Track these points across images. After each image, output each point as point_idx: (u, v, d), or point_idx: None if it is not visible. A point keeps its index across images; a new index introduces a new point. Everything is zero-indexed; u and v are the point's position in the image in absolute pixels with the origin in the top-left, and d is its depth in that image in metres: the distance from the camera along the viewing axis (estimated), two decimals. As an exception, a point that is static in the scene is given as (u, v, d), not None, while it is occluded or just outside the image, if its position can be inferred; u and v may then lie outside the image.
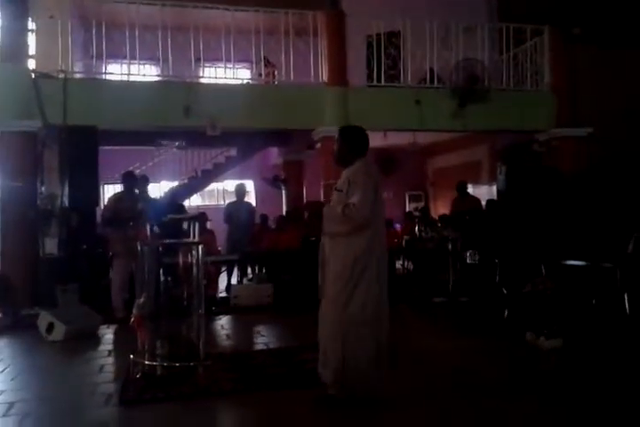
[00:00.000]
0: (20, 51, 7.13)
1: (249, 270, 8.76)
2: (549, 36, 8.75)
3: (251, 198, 12.89)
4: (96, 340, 5.54)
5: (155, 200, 7.52)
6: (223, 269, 8.17)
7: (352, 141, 3.72)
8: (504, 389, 3.76)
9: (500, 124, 8.44)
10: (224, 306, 6.97)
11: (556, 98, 8.62)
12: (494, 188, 9.50)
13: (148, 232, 4.34)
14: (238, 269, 8.41)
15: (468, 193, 8.85)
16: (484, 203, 8.52)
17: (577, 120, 8.50)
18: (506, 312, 5.56)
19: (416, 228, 8.48)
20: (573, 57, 8.68)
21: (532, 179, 7.50)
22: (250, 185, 13.31)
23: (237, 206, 8.46)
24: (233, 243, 8.21)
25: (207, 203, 12.87)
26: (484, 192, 10.25)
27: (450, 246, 6.79)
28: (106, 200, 7.44)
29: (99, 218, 7.23)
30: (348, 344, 3.36)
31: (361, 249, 3.43)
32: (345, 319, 3.38)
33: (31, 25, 7.54)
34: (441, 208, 12.39)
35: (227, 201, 10.78)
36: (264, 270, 8.10)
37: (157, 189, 10.58)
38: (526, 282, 5.31)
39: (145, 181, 6.92)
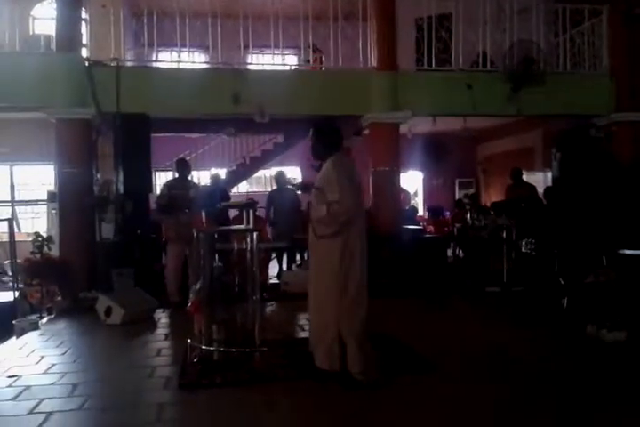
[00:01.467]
0: (74, 40, 7.25)
1: (297, 257, 8.78)
2: (608, 16, 8.38)
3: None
4: (152, 324, 5.69)
5: (202, 187, 7.61)
6: (273, 255, 8.21)
7: (324, 138, 3.93)
8: (560, 381, 3.67)
9: (555, 109, 8.14)
10: (274, 292, 7.02)
11: (615, 81, 8.28)
12: (548, 175, 9.23)
13: (204, 219, 4.37)
14: (287, 256, 8.45)
15: (523, 180, 8.60)
16: (539, 190, 8.27)
17: (637, 104, 8.15)
18: (565, 303, 5.40)
19: (468, 215, 8.31)
20: (634, 38, 8.27)
21: (590, 166, 7.23)
22: (297, 172, 13.33)
23: (279, 194, 8.40)
24: (277, 230, 8.20)
25: (255, 189, 12.96)
26: (537, 179, 9.96)
27: (504, 235, 6.63)
28: (158, 187, 7.56)
29: (152, 204, 7.36)
30: (344, 333, 3.62)
31: (346, 245, 3.66)
32: (340, 312, 3.63)
33: (84, 14, 7.66)
34: (493, 195, 12.12)
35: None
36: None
37: (206, 176, 10.69)
38: (587, 273, 5.14)
39: (188, 166, 6.97)
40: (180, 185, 6.52)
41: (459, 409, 3.23)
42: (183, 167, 6.71)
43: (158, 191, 7.17)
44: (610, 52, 8.39)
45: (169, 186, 6.61)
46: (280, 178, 8.51)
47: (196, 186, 6.80)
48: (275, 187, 8.76)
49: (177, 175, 6.76)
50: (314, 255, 3.89)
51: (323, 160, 3.91)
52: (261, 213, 8.21)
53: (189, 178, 6.95)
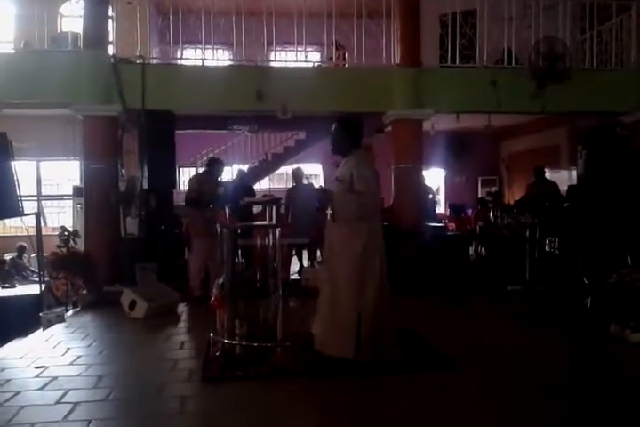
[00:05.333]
0: (100, 37, 7.35)
1: (318, 253, 8.79)
2: (637, 11, 8.23)
3: (319, 182, 12.93)
4: (175, 317, 5.77)
5: (227, 183, 7.65)
6: (293, 252, 8.24)
7: (348, 133, 3.97)
8: (583, 382, 3.63)
9: (581, 106, 8.03)
10: (295, 288, 7.04)
11: (643, 78, 8.13)
12: (573, 173, 9.11)
13: (227, 215, 4.42)
14: (308, 253, 8.47)
15: (546, 178, 8.52)
16: (563, 188, 8.17)
17: (666, 101, 8.00)
18: (588, 303, 5.33)
19: (490, 213, 8.25)
20: (663, 33, 8.13)
21: (616, 164, 7.11)
22: (318, 169, 13.35)
23: (297, 190, 8.40)
24: (296, 227, 8.21)
25: (276, 186, 13.01)
26: (562, 177, 9.85)
27: (527, 233, 6.55)
28: (182, 183, 7.62)
29: (175, 200, 7.45)
30: (363, 321, 3.76)
31: (368, 236, 3.81)
32: (360, 303, 3.77)
33: (111, 12, 7.75)
34: (516, 193, 12.00)
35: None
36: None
37: (229, 172, 10.75)
38: (611, 272, 5.07)
39: (221, 164, 7.01)
40: (209, 181, 6.56)
41: (480, 408, 3.23)
42: (216, 165, 6.75)
43: (182, 187, 7.22)
44: (638, 48, 8.24)
45: (198, 181, 6.63)
46: (298, 175, 8.54)
47: (223, 184, 6.85)
48: (293, 184, 8.79)
49: (206, 171, 6.78)
50: (334, 242, 3.93)
51: (343, 155, 4.00)
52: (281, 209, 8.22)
53: (220, 174, 6.98)
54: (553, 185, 8.33)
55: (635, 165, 6.88)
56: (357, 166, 3.85)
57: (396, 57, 7.93)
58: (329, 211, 3.95)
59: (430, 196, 10.64)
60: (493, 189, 12.72)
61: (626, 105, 8.14)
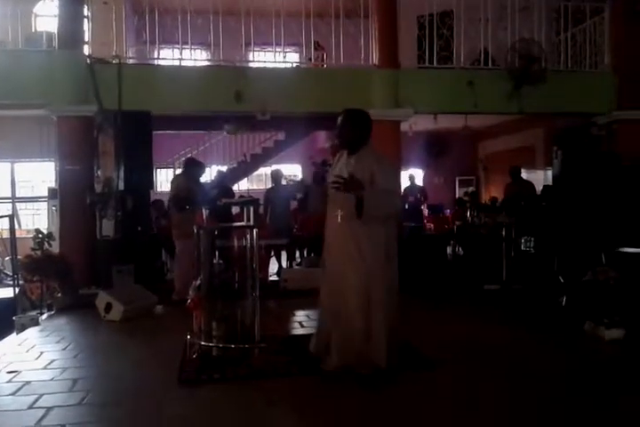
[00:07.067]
0: (76, 37, 7.26)
1: (297, 254, 8.80)
2: (610, 14, 8.37)
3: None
4: (152, 320, 5.71)
5: (205, 184, 7.61)
6: (271, 253, 8.22)
7: (363, 126, 3.67)
8: (556, 379, 3.68)
9: (557, 107, 8.14)
10: (273, 290, 7.02)
11: (617, 79, 8.27)
12: (549, 173, 9.25)
13: (204, 215, 4.39)
14: (287, 254, 8.46)
15: (522, 178, 8.64)
16: (539, 188, 8.28)
17: (639, 102, 8.14)
18: (563, 301, 5.41)
19: (468, 213, 8.32)
20: (635, 35, 8.25)
21: (590, 164, 7.23)
22: (298, 169, 13.35)
23: (276, 192, 8.41)
24: (274, 228, 8.21)
25: (255, 187, 12.98)
26: (538, 177, 9.99)
27: (503, 233, 6.62)
28: (159, 184, 7.55)
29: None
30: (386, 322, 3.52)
31: (392, 234, 3.60)
32: (381, 300, 3.50)
33: (86, 11, 7.66)
34: (493, 193, 12.14)
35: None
36: (312, 254, 8.12)
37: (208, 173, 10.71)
38: (585, 270, 5.15)
39: (202, 167, 6.96)
40: (190, 181, 6.53)
41: (459, 406, 3.24)
42: (193, 166, 6.72)
43: (159, 188, 7.13)
44: (612, 49, 8.38)
45: (185, 182, 6.57)
46: (277, 176, 8.53)
47: (199, 184, 6.81)
48: (272, 185, 8.78)
49: (186, 173, 6.74)
50: (348, 245, 3.53)
51: (353, 150, 3.66)
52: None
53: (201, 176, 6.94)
54: (529, 185, 8.45)
55: (608, 166, 6.99)
56: (377, 164, 3.54)
57: (375, 58, 7.95)
58: (340, 212, 3.54)
59: (419, 195, 10.73)
60: (470, 189, 12.85)
61: (600, 106, 8.28)
